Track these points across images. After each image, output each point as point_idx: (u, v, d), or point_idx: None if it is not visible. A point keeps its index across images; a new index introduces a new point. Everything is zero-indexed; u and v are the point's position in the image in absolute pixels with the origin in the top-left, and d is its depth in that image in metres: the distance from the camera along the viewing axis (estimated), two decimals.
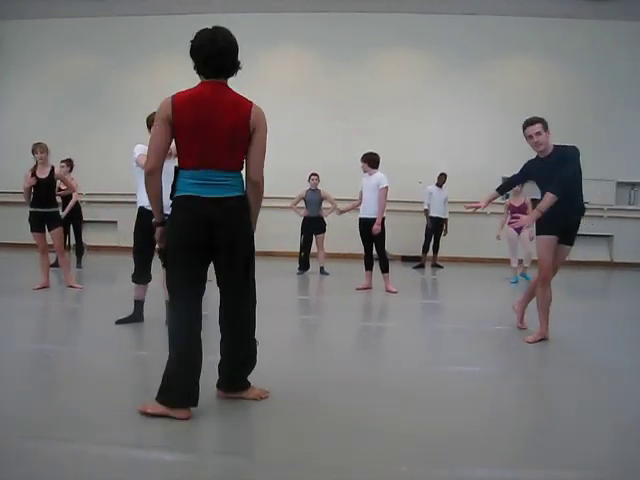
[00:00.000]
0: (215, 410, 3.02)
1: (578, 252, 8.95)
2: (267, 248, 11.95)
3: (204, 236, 2.81)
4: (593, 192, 9.64)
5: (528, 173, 4.92)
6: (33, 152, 6.78)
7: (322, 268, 9.24)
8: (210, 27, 3.08)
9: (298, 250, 9.43)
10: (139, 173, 4.57)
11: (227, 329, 3.10)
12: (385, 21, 11.88)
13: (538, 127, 4.53)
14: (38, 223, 6.82)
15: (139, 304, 5.12)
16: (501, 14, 11.56)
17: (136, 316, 5.09)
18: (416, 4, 11.36)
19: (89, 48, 12.62)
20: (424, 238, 10.63)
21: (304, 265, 9.31)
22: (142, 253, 4.94)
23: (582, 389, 3.62)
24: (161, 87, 13.22)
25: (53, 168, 6.93)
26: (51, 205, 6.92)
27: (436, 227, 10.56)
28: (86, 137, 12.34)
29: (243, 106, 2.94)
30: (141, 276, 5.03)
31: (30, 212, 6.84)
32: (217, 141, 2.83)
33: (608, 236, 11.88)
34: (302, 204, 9.42)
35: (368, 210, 7.37)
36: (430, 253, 10.72)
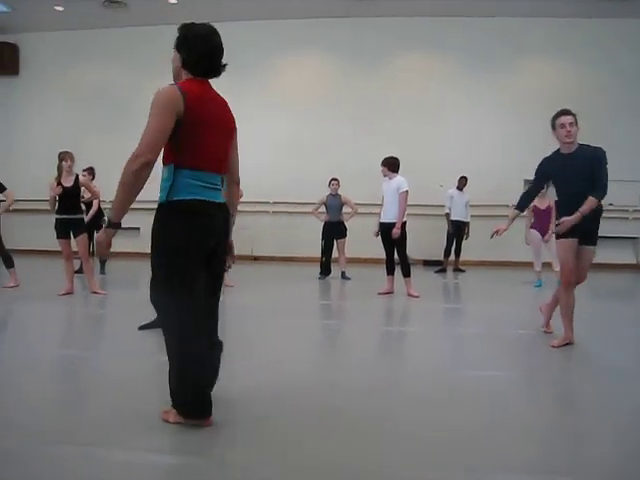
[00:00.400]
0: (231, 417, 3.01)
1: (603, 254, 8.85)
2: (288, 253, 12.03)
3: (214, 244, 2.76)
4: (617, 194, 9.49)
5: (545, 173, 4.79)
6: (62, 160, 6.91)
7: (343, 273, 9.23)
8: (198, 23, 3.00)
9: (319, 255, 9.43)
10: None
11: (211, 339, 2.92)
12: (403, 25, 11.87)
13: (572, 118, 4.46)
14: (64, 230, 6.97)
15: None
16: (518, 15, 11.47)
17: (159, 322, 5.11)
18: (433, 8, 11.30)
19: (111, 58, 12.79)
20: (445, 242, 10.57)
21: (325, 270, 9.31)
22: None
23: (607, 395, 3.56)
24: None
25: (77, 176, 7.07)
26: (76, 212, 7.09)
27: (458, 231, 10.50)
28: (109, 145, 12.49)
29: (229, 107, 2.96)
30: None
31: (56, 219, 6.99)
32: (224, 143, 2.82)
33: (634, 238, 11.70)
34: (323, 209, 9.42)
35: (388, 214, 7.35)
36: (452, 257, 10.65)
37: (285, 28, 12.12)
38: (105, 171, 12.48)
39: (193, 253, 2.66)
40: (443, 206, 10.58)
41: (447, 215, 10.50)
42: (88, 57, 12.84)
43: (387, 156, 7.55)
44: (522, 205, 5.17)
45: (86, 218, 8.50)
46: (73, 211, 7.01)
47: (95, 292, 7.07)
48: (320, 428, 2.91)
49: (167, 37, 12.29)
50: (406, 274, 7.40)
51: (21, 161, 12.59)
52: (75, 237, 7.02)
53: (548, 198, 8.50)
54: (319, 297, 7.97)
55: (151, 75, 12.57)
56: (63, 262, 7.09)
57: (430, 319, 6.20)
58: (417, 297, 7.26)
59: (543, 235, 8.36)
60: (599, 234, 4.67)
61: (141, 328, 4.97)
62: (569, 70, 11.69)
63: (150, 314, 5.11)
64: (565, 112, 4.51)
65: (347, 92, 12.10)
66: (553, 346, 4.60)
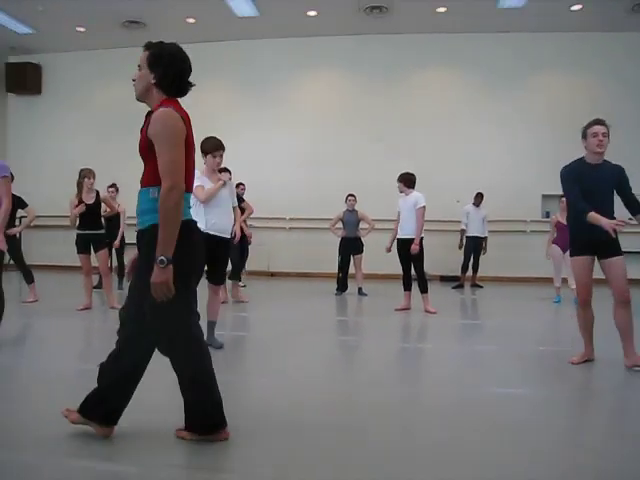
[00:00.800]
0: (249, 432, 3.01)
1: (630, 269, 8.69)
2: (305, 269, 12.03)
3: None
4: None
5: (579, 180, 4.42)
6: (84, 177, 7.02)
7: (360, 289, 9.21)
8: (168, 42, 2.93)
9: (336, 271, 9.42)
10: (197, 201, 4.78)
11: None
12: (419, 41, 11.92)
13: (605, 128, 4.35)
14: (84, 245, 7.08)
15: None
16: (535, 30, 11.46)
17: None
18: (450, 24, 11.36)
19: (128, 77, 12.92)
20: (463, 258, 10.52)
21: (342, 286, 9.30)
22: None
23: (627, 411, 3.51)
24: (202, 113, 13.50)
25: (98, 193, 7.18)
26: (97, 227, 7.21)
27: (475, 247, 10.45)
28: (126, 163, 12.63)
29: None
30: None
31: (77, 235, 7.10)
32: (194, 163, 2.82)
33: None
34: (340, 225, 9.43)
35: (406, 230, 7.36)
36: (469, 273, 10.59)
37: (302, 45, 12.24)
38: (127, 188, 12.69)
39: (195, 271, 2.80)
40: (460, 222, 10.55)
41: (462, 231, 10.46)
42: (109, 76, 13.03)
43: (403, 172, 7.57)
44: (586, 205, 4.30)
45: (116, 242, 8.84)
46: (94, 227, 7.13)
47: (114, 307, 7.12)
48: (339, 444, 2.89)
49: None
50: (423, 290, 7.38)
51: (43, 178, 12.77)
52: (96, 252, 7.13)
53: None
54: (336, 313, 7.95)
55: None
56: (82, 277, 7.17)
57: (448, 335, 6.16)
58: (434, 313, 7.22)
59: (564, 250, 8.27)
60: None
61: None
62: (581, 84, 11.62)
63: None
64: (599, 121, 4.40)
65: (364, 108, 12.15)
66: (572, 363, 4.54)
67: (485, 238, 10.51)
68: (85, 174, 7.03)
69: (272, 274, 11.94)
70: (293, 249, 12.02)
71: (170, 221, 2.50)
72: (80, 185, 7.02)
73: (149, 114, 2.74)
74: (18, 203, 7.20)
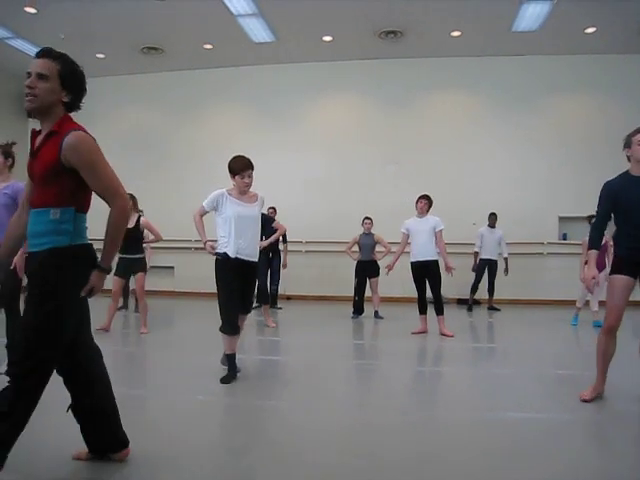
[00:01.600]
0: (266, 457, 3.00)
1: None
2: (321, 292, 12.02)
3: None
4: None
5: (612, 198, 4.08)
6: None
7: (377, 312, 9.17)
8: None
9: (352, 294, 9.40)
10: (220, 220, 4.67)
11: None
12: (434, 65, 12.01)
13: None
14: (124, 269, 7.15)
15: (231, 358, 4.77)
16: (549, 53, 11.50)
17: (232, 372, 4.73)
18: (465, 47, 11.44)
19: (149, 101, 13.20)
20: (474, 278, 10.44)
21: (359, 309, 9.26)
22: (230, 301, 4.61)
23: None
24: (216, 136, 13.65)
25: (139, 217, 7.29)
26: (138, 252, 7.26)
27: (490, 268, 10.38)
28: (143, 185, 12.81)
29: None
30: (232, 326, 4.66)
31: (119, 258, 7.15)
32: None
33: None
34: (356, 248, 9.43)
35: (425, 253, 7.31)
36: (486, 296, 10.50)
37: (318, 70, 12.38)
38: (146, 211, 12.76)
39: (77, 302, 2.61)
40: (474, 244, 10.50)
41: (476, 254, 10.41)
42: (127, 101, 13.29)
43: (425, 193, 7.58)
44: (597, 243, 4.24)
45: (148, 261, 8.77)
46: (136, 251, 7.19)
47: (143, 333, 7.16)
48: (356, 469, 2.87)
49: (202, 80, 12.68)
50: (439, 312, 7.34)
51: None
52: (135, 275, 7.20)
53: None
54: (352, 336, 7.91)
55: (186, 116, 12.98)
56: (111, 299, 7.17)
57: (464, 358, 6.09)
58: (451, 336, 7.16)
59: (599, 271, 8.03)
60: None
61: (223, 382, 4.61)
62: (594, 106, 11.57)
63: (202, 352, 5.16)
64: None
65: (379, 131, 12.22)
66: (584, 400, 4.15)
67: (505, 259, 10.38)
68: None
69: (288, 297, 11.93)
70: (309, 272, 12.02)
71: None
72: None
73: (39, 133, 2.63)
74: None
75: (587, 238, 8.03)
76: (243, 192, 4.76)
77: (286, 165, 12.29)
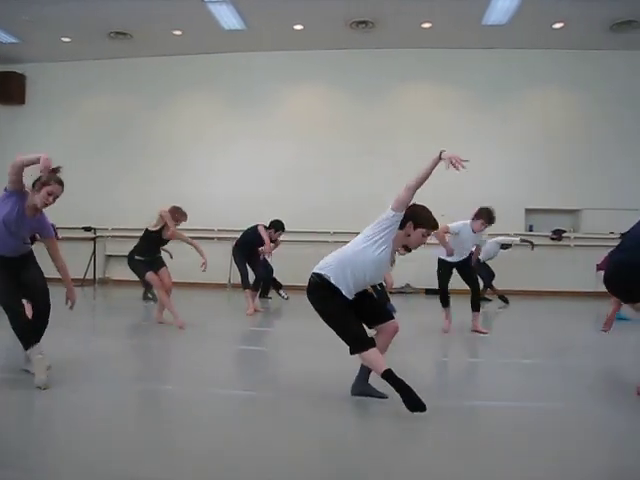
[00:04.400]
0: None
1: None
2: (295, 282, 11.90)
3: None
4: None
5: None
6: (177, 220, 7.04)
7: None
8: None
9: None
10: None
11: None
12: (405, 56, 12.01)
13: None
14: (145, 267, 6.98)
15: None
16: (520, 47, 11.63)
17: None
18: (436, 39, 11.47)
19: (116, 88, 12.94)
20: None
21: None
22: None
23: None
24: (187, 125, 13.47)
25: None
26: (157, 252, 7.24)
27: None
28: (113, 174, 12.63)
29: None
30: None
31: (137, 261, 7.04)
32: None
33: None
34: None
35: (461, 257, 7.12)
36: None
37: (289, 59, 12.29)
38: (117, 198, 12.66)
39: None
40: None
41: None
42: (93, 87, 12.97)
43: (490, 215, 6.96)
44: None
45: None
46: (153, 253, 7.13)
47: (161, 322, 7.06)
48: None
49: (172, 67, 12.45)
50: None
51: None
52: (158, 271, 7.02)
53: None
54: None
55: (156, 104, 12.76)
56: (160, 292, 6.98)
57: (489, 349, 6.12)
58: (486, 333, 6.84)
59: None
60: None
61: None
62: (576, 101, 11.81)
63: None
64: None
65: (351, 121, 12.19)
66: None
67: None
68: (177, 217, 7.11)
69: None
70: (279, 262, 11.91)
71: None
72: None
73: None
74: None
75: None
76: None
77: (257, 154, 12.18)
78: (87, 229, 12.24)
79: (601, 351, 6.00)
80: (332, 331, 3.66)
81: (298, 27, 11.14)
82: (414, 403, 3.41)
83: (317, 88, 12.53)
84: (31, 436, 3.10)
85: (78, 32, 11.45)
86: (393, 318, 3.91)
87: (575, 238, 11.51)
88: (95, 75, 12.91)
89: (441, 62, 11.99)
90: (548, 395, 4.16)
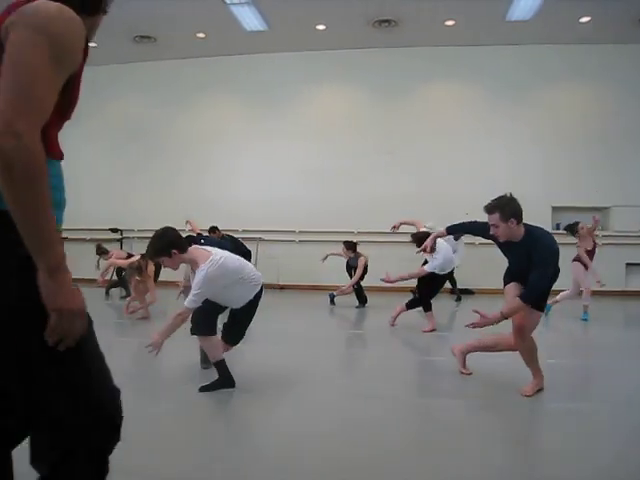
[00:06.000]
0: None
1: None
2: (314, 282, 11.94)
3: None
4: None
5: None
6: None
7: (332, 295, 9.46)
8: None
9: (345, 284, 9.39)
10: None
11: None
12: (428, 54, 11.94)
13: None
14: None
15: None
16: (544, 42, 11.45)
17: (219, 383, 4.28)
18: (459, 37, 11.38)
19: (142, 91, 13.09)
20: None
21: (361, 299, 9.27)
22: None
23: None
24: (209, 126, 13.54)
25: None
26: None
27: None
28: (139, 176, 12.77)
29: None
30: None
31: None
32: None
33: None
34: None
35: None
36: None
37: (311, 59, 12.30)
38: (134, 202, 12.81)
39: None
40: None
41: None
42: (119, 90, 13.15)
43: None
44: None
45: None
46: None
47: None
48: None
49: (194, 70, 12.54)
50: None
51: None
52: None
53: None
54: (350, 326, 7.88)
55: (178, 106, 12.87)
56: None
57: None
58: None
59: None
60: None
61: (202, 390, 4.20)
62: (606, 95, 11.55)
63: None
64: None
65: (372, 121, 12.17)
66: (526, 395, 4.10)
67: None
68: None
69: (281, 287, 11.90)
70: (303, 262, 11.95)
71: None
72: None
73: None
74: None
75: None
76: None
77: (279, 154, 12.22)
78: (114, 230, 12.39)
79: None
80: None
81: (321, 27, 11.14)
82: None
83: (339, 88, 12.51)
84: None
85: (104, 37, 11.57)
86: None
87: (604, 236, 11.30)
88: (120, 78, 13.07)
89: (465, 60, 11.87)
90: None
